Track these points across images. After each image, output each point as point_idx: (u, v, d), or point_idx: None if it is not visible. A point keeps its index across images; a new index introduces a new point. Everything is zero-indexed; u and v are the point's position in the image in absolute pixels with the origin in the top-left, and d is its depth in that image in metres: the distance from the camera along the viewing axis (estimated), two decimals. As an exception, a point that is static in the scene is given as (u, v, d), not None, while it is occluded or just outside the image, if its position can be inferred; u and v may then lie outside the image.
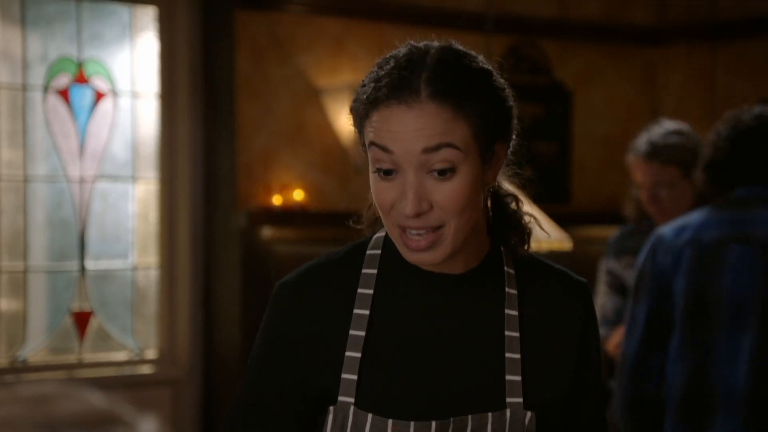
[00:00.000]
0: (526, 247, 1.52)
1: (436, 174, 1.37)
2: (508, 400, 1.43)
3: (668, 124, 3.23)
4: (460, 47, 1.43)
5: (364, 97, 1.39)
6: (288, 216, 4.45)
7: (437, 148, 1.36)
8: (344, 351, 1.43)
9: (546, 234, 1.63)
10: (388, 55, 1.42)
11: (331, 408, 1.42)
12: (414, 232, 1.39)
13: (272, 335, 1.49)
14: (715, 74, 5.16)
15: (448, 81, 1.37)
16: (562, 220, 3.81)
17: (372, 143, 1.38)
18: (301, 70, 4.56)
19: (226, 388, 4.34)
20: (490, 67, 1.44)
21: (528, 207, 1.56)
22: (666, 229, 2.59)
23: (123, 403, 0.78)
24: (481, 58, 1.44)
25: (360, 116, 1.41)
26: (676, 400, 2.49)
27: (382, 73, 1.39)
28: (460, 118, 1.37)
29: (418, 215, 1.37)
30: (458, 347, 1.45)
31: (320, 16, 4.59)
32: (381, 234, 1.51)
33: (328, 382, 1.44)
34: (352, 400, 1.41)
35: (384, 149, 1.37)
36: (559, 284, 1.52)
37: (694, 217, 2.57)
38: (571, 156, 5.17)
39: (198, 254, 4.43)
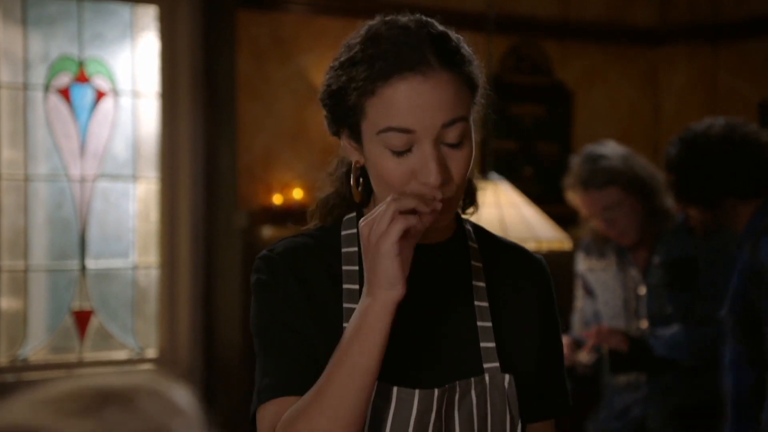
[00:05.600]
0: (473, 209, 1.58)
1: (447, 145, 1.41)
2: (485, 365, 1.48)
3: (589, 150, 3.30)
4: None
5: (363, 75, 1.41)
6: (288, 215, 4.45)
7: (453, 122, 1.40)
8: (340, 322, 1.45)
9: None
10: (362, 36, 1.46)
11: None
12: None
13: (271, 293, 1.48)
14: (716, 75, 5.16)
15: (451, 50, 1.43)
16: (562, 220, 3.81)
17: (389, 128, 1.40)
18: (302, 70, 4.56)
19: (226, 387, 4.34)
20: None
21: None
22: None
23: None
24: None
25: (357, 98, 1.42)
26: None
27: (378, 50, 1.41)
28: (464, 86, 1.43)
29: (442, 185, 1.40)
30: (439, 317, 1.49)
31: (321, 16, 4.59)
32: (351, 215, 1.54)
33: (325, 353, 1.43)
34: None
35: (405, 131, 1.39)
36: (518, 258, 1.59)
37: None
38: (572, 157, 5.16)
39: (199, 253, 4.43)
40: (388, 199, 1.35)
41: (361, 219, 1.38)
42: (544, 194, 4.76)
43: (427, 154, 1.39)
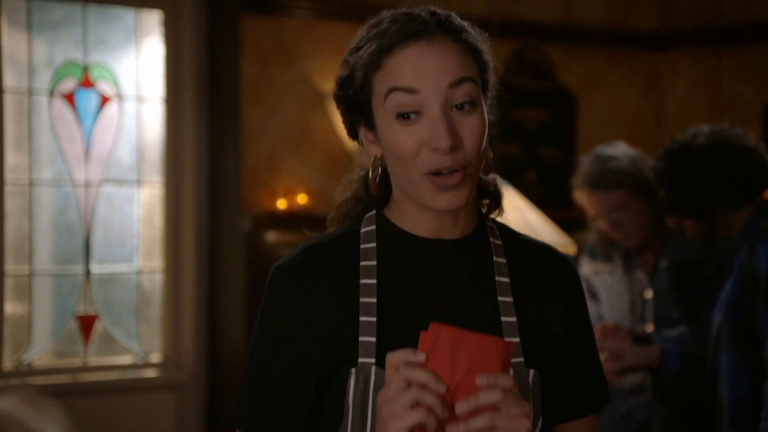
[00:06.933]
0: (498, 212, 1.57)
1: (457, 109, 1.40)
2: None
3: (599, 151, 3.29)
4: None
5: (369, 52, 1.42)
6: (292, 220, 4.46)
7: (460, 82, 1.40)
8: (356, 319, 1.44)
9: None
10: (369, 24, 1.46)
11: (353, 369, 1.43)
12: (445, 171, 1.41)
13: (272, 321, 1.48)
14: (720, 79, 5.16)
15: (451, 22, 1.45)
16: (566, 225, 3.82)
17: (393, 89, 1.40)
18: (306, 75, 4.57)
19: (230, 391, 4.35)
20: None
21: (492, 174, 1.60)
22: None
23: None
24: None
25: (364, 75, 1.43)
26: None
27: (381, 29, 1.43)
28: (469, 55, 1.43)
29: (453, 148, 1.39)
30: (460, 310, 1.48)
31: (325, 21, 4.60)
32: (371, 213, 1.53)
33: (341, 351, 1.43)
34: (372, 360, 1.42)
35: (409, 90, 1.39)
36: (544, 256, 1.57)
37: None
38: (576, 161, 5.17)
39: (203, 258, 4.44)
40: (400, 371, 1.31)
41: (380, 391, 1.33)
42: (547, 198, 4.77)
43: (435, 117, 1.39)
